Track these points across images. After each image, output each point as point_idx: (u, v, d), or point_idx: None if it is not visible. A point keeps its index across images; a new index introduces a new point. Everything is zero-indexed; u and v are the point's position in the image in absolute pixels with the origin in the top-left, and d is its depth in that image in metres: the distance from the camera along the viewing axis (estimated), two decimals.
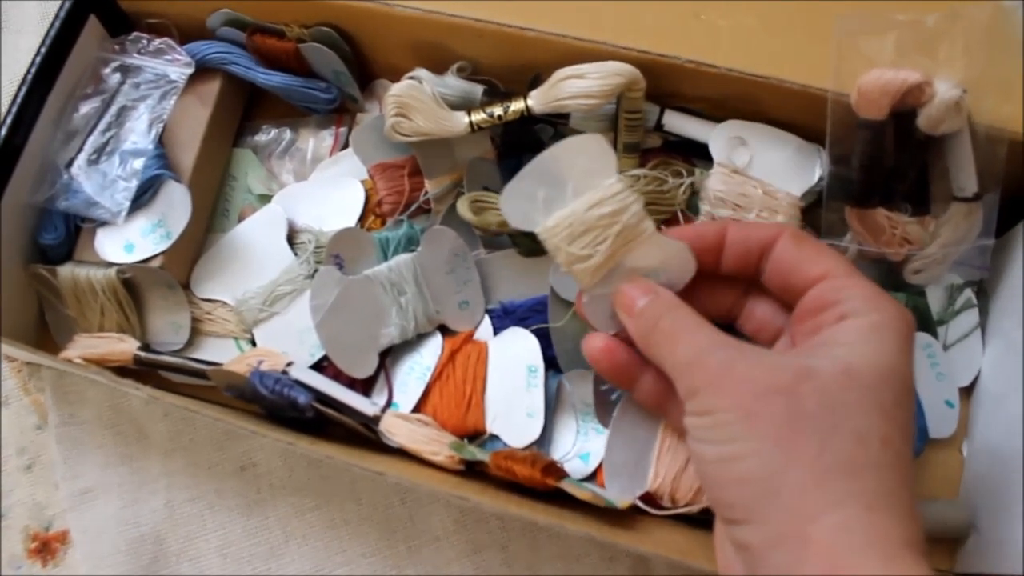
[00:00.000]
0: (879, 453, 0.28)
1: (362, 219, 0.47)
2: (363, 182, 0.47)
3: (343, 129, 0.49)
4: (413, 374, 0.44)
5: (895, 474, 0.28)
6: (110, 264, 0.45)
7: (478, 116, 0.43)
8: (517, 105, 0.43)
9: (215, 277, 0.47)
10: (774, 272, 0.34)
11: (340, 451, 0.40)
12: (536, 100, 0.42)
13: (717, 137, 0.43)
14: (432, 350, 0.44)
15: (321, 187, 0.48)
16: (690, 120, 0.44)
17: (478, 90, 0.45)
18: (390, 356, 0.45)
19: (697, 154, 0.46)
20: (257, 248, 0.47)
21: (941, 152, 0.40)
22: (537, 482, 0.38)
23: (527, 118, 0.43)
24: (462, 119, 0.43)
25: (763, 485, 0.28)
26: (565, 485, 0.38)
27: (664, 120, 0.44)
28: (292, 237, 0.47)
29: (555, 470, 0.38)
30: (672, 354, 0.32)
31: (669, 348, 0.32)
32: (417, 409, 0.43)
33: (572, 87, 0.41)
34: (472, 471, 0.41)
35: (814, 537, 0.26)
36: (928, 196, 0.41)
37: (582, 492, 0.37)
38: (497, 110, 0.43)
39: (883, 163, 0.40)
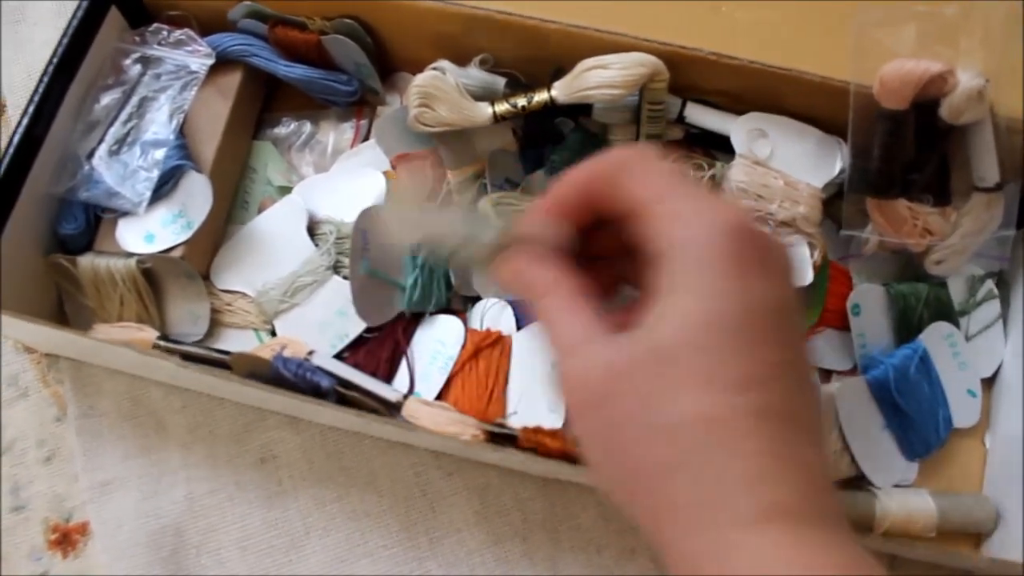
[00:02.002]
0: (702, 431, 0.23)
1: None
2: (385, 173, 0.48)
3: (363, 122, 0.50)
4: (436, 364, 0.44)
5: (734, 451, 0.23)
6: (130, 254, 0.44)
7: (501, 107, 0.43)
8: (541, 96, 0.43)
9: (235, 268, 0.47)
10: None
11: (376, 421, 0.39)
12: (560, 91, 0.42)
13: (739, 129, 0.44)
14: (455, 339, 0.44)
15: (342, 178, 0.48)
16: (712, 112, 0.44)
17: (500, 82, 0.45)
18: (412, 345, 0.45)
19: (718, 146, 0.46)
20: (277, 239, 0.47)
21: (962, 142, 0.40)
22: (568, 455, 0.38)
23: (550, 109, 0.43)
24: (485, 110, 0.43)
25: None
26: None
27: (686, 112, 0.44)
28: (313, 228, 0.47)
29: None
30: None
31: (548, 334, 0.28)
32: (439, 399, 0.43)
33: (596, 77, 0.41)
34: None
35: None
36: (949, 187, 0.42)
37: None
38: (521, 101, 0.43)
39: (904, 154, 0.41)
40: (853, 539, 0.23)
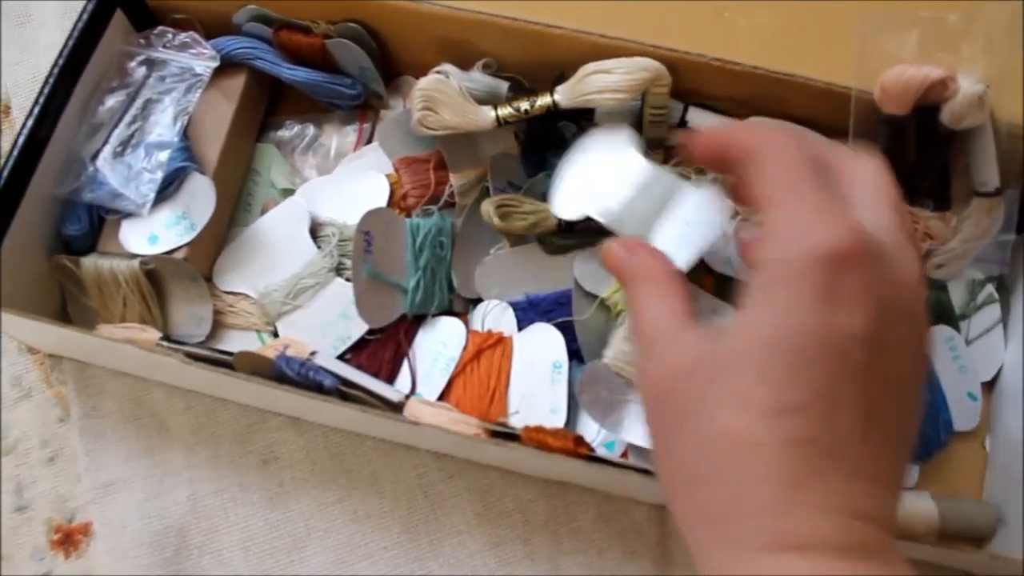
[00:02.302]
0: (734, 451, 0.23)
1: None
2: (387, 176, 0.48)
3: (367, 125, 0.50)
4: (437, 365, 0.44)
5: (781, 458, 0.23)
6: (133, 255, 0.45)
7: (504, 110, 0.43)
8: (544, 100, 0.43)
9: (237, 270, 0.47)
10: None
11: (379, 417, 0.40)
12: (563, 95, 0.43)
13: None
14: (456, 341, 0.44)
15: (345, 180, 0.48)
16: (714, 117, 0.45)
17: (503, 86, 0.45)
18: (413, 346, 0.45)
19: None
20: (279, 241, 0.47)
21: (963, 147, 0.41)
22: (570, 451, 0.38)
23: (553, 113, 0.43)
24: (488, 113, 0.43)
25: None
26: (600, 451, 0.38)
27: (688, 117, 0.45)
28: (315, 230, 0.47)
29: (585, 443, 0.38)
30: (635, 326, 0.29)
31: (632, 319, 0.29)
32: (440, 400, 0.43)
33: (599, 82, 0.42)
34: None
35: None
36: (949, 191, 0.42)
37: (616, 459, 0.38)
38: (524, 104, 0.43)
39: (905, 159, 0.41)
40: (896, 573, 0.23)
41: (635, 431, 0.41)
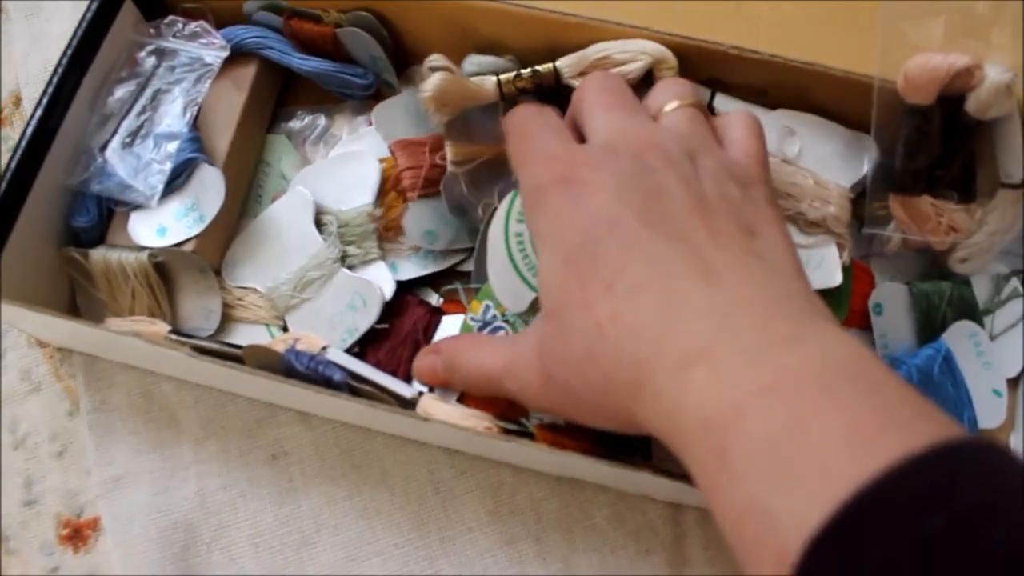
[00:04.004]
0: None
1: (381, 196, 0.46)
2: (382, 160, 0.47)
3: None
4: None
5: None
6: (142, 248, 0.44)
7: (505, 77, 0.43)
8: (546, 67, 0.43)
9: (244, 263, 0.46)
10: None
11: (389, 411, 0.39)
12: (565, 64, 0.43)
13: (768, 127, 0.43)
14: None
15: (337, 165, 0.47)
16: (740, 104, 0.44)
17: (501, 62, 0.45)
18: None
19: None
20: (285, 233, 0.46)
21: (988, 138, 0.40)
22: (586, 450, 0.37)
23: (556, 90, 0.43)
24: (490, 81, 0.43)
25: None
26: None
27: (715, 103, 0.44)
28: (317, 219, 0.46)
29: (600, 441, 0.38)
30: None
31: None
32: (460, 401, 0.42)
33: (602, 51, 0.42)
34: None
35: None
36: (974, 183, 0.41)
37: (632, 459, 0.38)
38: (525, 72, 0.43)
39: (930, 150, 0.40)
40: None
41: None
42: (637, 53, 0.41)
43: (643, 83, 0.42)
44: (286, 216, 0.47)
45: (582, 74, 0.42)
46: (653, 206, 0.30)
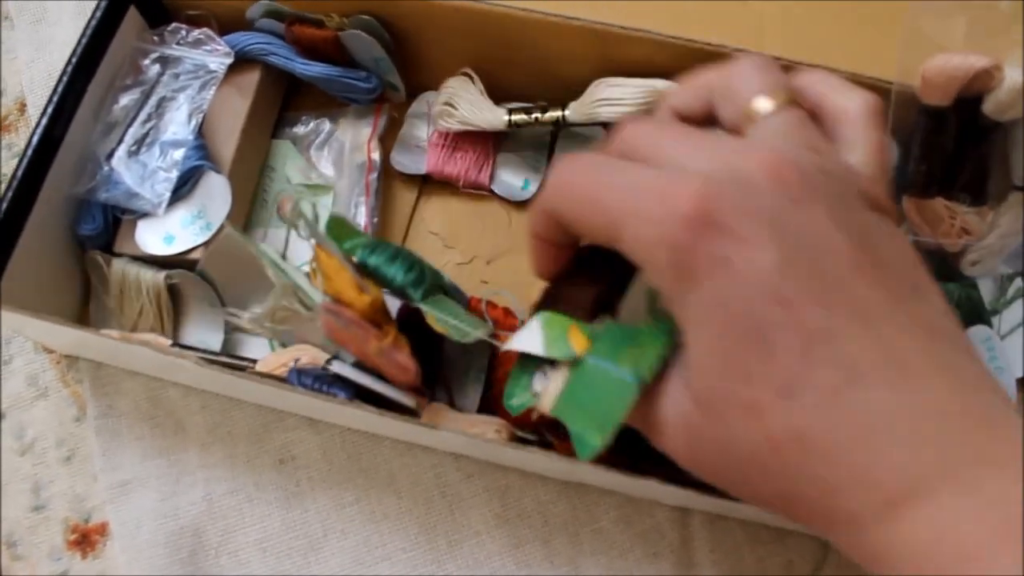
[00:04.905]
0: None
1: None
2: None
3: (382, 119, 0.49)
4: (468, 377, 0.43)
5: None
6: (161, 267, 0.44)
7: (518, 116, 0.45)
8: (554, 112, 0.45)
9: (236, 281, 0.45)
10: None
11: (395, 419, 0.38)
12: (573, 110, 0.44)
13: None
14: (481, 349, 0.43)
15: None
16: None
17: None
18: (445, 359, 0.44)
19: None
20: (245, 268, 0.43)
21: (1001, 140, 0.39)
22: (608, 461, 0.37)
23: (562, 124, 0.45)
24: (502, 115, 0.44)
25: None
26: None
27: None
28: None
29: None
30: None
31: None
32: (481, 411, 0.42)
33: (605, 94, 0.42)
34: None
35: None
36: (987, 186, 0.40)
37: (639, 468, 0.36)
38: (535, 113, 0.45)
39: (945, 151, 0.39)
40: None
41: None
42: (646, 86, 0.41)
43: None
44: (234, 256, 0.44)
45: (585, 115, 0.43)
46: (817, 264, 0.23)
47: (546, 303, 0.31)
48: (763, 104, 0.26)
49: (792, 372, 0.23)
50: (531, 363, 0.30)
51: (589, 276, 0.30)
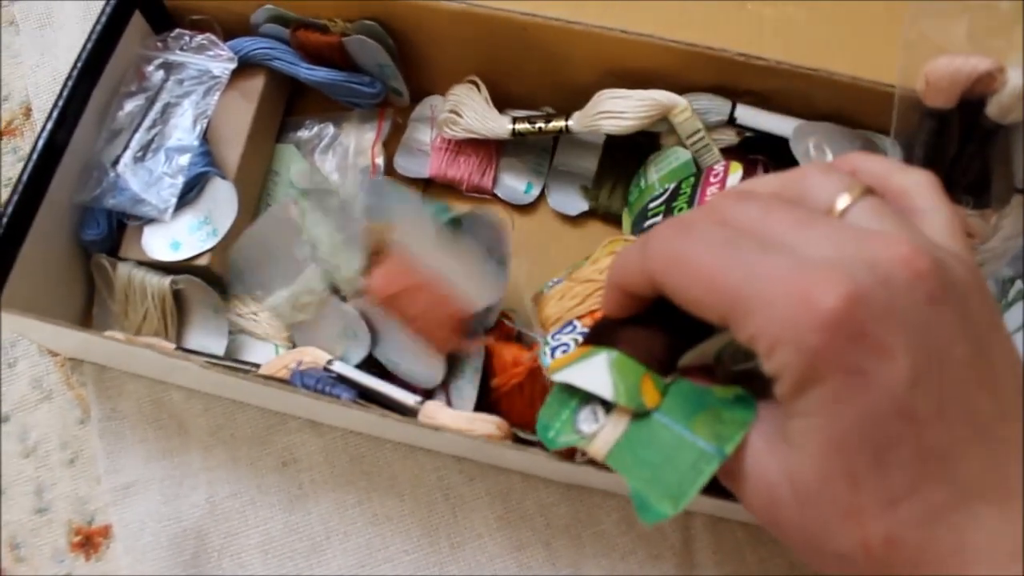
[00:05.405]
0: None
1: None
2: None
3: (385, 123, 0.49)
4: (464, 377, 0.43)
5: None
6: (167, 273, 0.44)
7: (522, 125, 0.45)
8: (557, 123, 0.45)
9: (245, 276, 0.45)
10: None
11: (397, 421, 0.39)
12: (576, 120, 0.44)
13: (800, 140, 0.42)
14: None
15: None
16: (764, 114, 0.43)
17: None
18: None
19: (774, 146, 0.45)
20: (277, 249, 0.44)
21: (1004, 143, 0.39)
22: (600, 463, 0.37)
23: (564, 134, 0.45)
24: (507, 123, 0.45)
25: None
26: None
27: (737, 114, 0.44)
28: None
29: None
30: None
31: None
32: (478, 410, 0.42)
33: (608, 106, 0.43)
34: None
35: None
36: (990, 188, 0.40)
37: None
38: (539, 123, 0.45)
39: (948, 154, 0.39)
40: None
41: None
42: (648, 99, 0.42)
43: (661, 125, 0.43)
44: (273, 236, 0.45)
45: (588, 126, 0.43)
46: (945, 376, 0.22)
47: (606, 339, 0.28)
48: (844, 201, 0.25)
49: (903, 487, 0.22)
50: (575, 396, 0.28)
51: (662, 324, 0.28)
